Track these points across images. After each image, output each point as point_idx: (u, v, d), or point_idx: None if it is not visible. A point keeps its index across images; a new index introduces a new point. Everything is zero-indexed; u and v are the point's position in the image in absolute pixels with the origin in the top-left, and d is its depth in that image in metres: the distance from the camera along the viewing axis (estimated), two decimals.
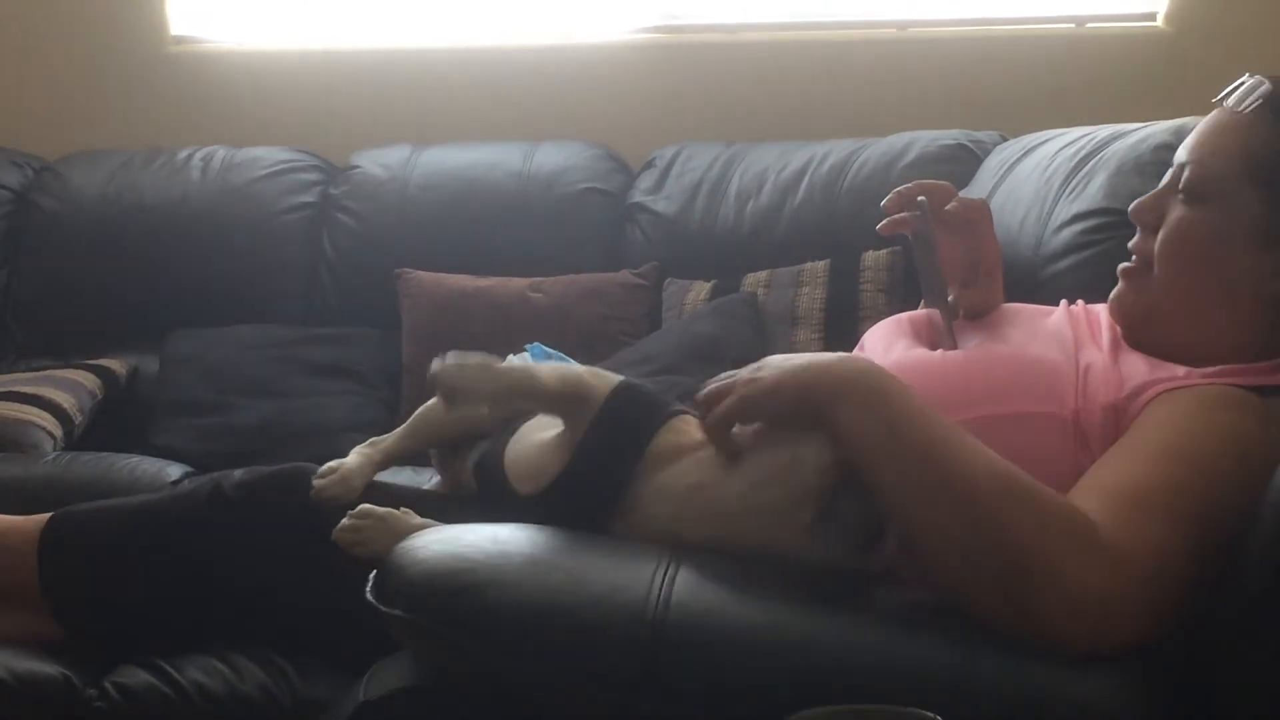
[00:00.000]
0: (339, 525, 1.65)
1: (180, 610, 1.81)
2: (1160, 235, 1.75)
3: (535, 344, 1.94)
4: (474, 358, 1.63)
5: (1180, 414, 1.56)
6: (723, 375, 1.59)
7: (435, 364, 1.60)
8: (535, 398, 1.68)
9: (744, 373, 1.56)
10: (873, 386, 1.48)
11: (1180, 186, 1.74)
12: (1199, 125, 1.77)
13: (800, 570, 1.46)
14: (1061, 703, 1.30)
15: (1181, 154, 1.77)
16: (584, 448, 1.62)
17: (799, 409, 1.50)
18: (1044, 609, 1.34)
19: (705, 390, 1.58)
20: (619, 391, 1.65)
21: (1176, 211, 1.74)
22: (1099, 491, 1.46)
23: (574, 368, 1.73)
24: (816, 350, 2.87)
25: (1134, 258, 1.81)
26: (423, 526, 1.62)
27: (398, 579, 1.45)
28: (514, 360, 1.86)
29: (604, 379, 1.69)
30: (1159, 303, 1.75)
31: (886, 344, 1.88)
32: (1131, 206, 1.81)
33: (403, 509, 1.66)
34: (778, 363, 1.55)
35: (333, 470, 1.79)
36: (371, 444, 1.89)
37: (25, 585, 1.83)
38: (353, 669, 1.54)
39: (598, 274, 3.48)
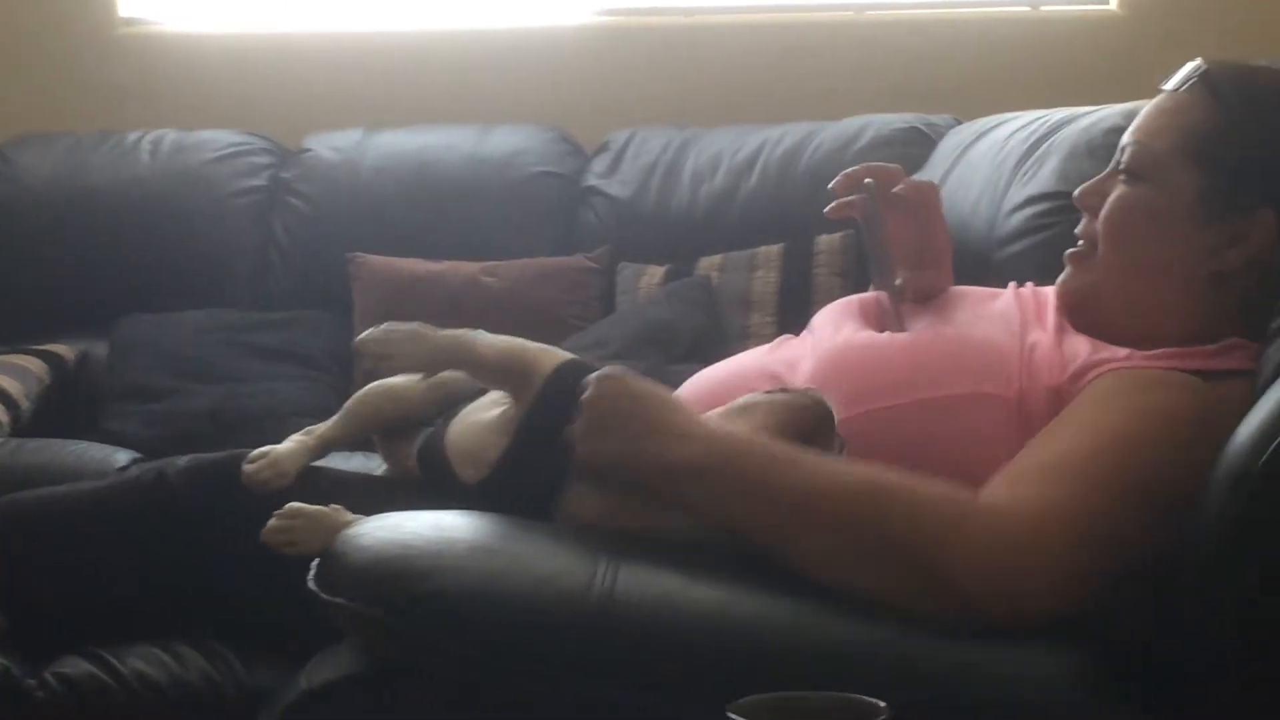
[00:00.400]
0: (267, 525, 1.62)
1: (124, 598, 1.79)
2: (1101, 214, 1.77)
3: (479, 331, 1.93)
4: (405, 326, 1.62)
5: (1112, 393, 1.57)
6: None
7: (363, 333, 1.59)
8: (470, 365, 1.67)
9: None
10: (713, 455, 1.49)
11: (1121, 167, 1.76)
12: (1142, 109, 1.79)
13: (741, 557, 1.45)
14: (1003, 677, 1.32)
15: (1125, 137, 1.79)
16: (523, 430, 1.61)
17: (638, 482, 1.52)
18: (951, 579, 1.36)
19: None
20: (562, 370, 1.64)
21: (1117, 191, 1.76)
22: (1012, 471, 1.49)
23: (522, 341, 1.71)
24: (771, 334, 2.86)
25: (1080, 242, 1.82)
26: (354, 523, 1.60)
27: (340, 567, 1.44)
28: None
29: (551, 355, 1.67)
30: (1101, 283, 1.76)
31: (835, 326, 1.88)
32: (1076, 192, 1.83)
33: (333, 506, 1.64)
34: (605, 413, 1.54)
35: (264, 455, 1.77)
36: (307, 431, 1.87)
37: None
38: (296, 657, 1.53)
39: (551, 258, 3.47)
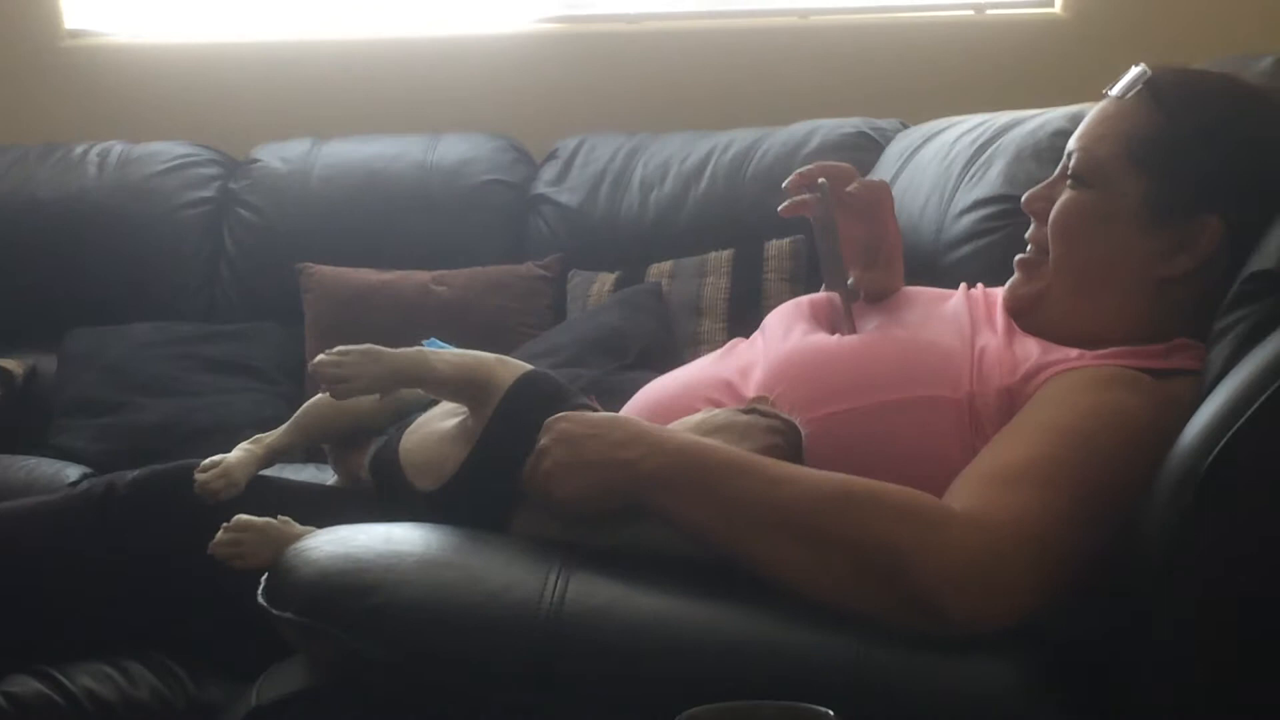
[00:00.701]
0: (215, 539, 1.62)
1: (73, 613, 1.77)
2: (1050, 218, 1.78)
3: (432, 339, 1.92)
4: (358, 347, 1.62)
5: (1065, 392, 1.58)
6: None
7: (318, 356, 1.59)
8: (427, 383, 1.67)
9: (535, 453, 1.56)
10: (677, 466, 1.50)
11: (1069, 173, 1.77)
12: (1087, 114, 1.80)
13: (695, 569, 1.46)
14: (954, 686, 1.32)
15: (1071, 143, 1.79)
16: (484, 442, 1.61)
17: (609, 499, 1.52)
18: (923, 589, 1.36)
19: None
20: (522, 382, 1.64)
21: (1064, 195, 1.77)
22: (974, 476, 1.49)
23: (478, 354, 1.71)
24: (722, 340, 2.86)
25: (1029, 247, 1.83)
26: (305, 533, 1.60)
27: (289, 581, 1.43)
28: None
29: (510, 367, 1.67)
30: (1051, 288, 1.77)
31: (785, 328, 1.88)
32: (1024, 197, 1.83)
33: (282, 518, 1.63)
34: (570, 453, 1.53)
35: (215, 464, 1.76)
36: (256, 440, 1.86)
37: None
38: (247, 672, 1.52)
39: (501, 266, 3.47)
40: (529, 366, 1.70)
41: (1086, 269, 1.74)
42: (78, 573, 1.77)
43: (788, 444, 1.54)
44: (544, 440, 1.55)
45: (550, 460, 1.53)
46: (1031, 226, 1.84)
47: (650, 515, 1.51)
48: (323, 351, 1.61)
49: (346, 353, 1.62)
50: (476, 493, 1.60)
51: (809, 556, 1.42)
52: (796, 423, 1.56)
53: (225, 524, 1.62)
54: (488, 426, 1.62)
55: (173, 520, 1.75)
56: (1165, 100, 1.72)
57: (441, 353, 1.70)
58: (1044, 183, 1.82)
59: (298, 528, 1.61)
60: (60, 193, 3.68)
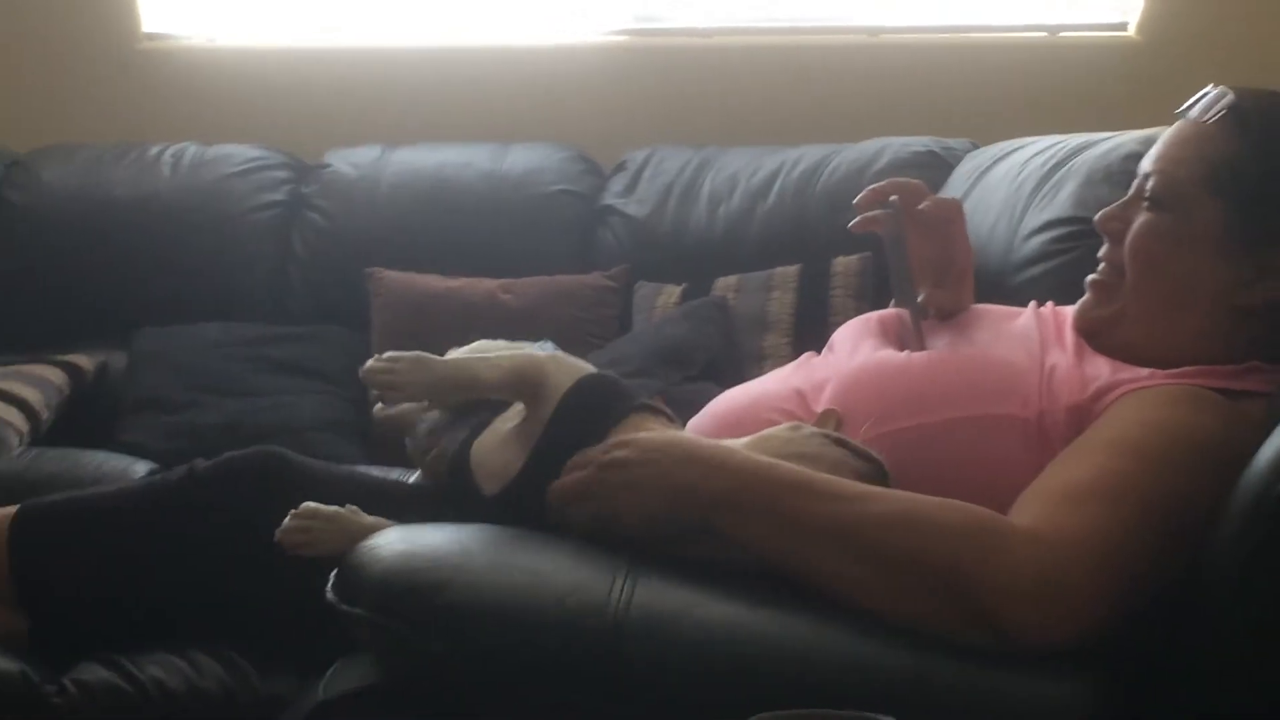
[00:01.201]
0: (283, 526, 1.63)
1: (145, 602, 1.79)
2: (1127, 240, 1.76)
3: (482, 342, 1.92)
4: (408, 354, 1.63)
5: (1135, 409, 1.57)
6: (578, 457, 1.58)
7: (369, 363, 1.60)
8: (475, 390, 1.68)
9: (595, 466, 1.56)
10: (743, 489, 1.49)
11: (1146, 195, 1.75)
12: (1163, 136, 1.78)
13: (748, 571, 1.46)
14: (1018, 703, 1.31)
15: (1145, 164, 1.78)
16: (543, 445, 1.62)
17: (673, 524, 1.51)
18: (987, 605, 1.35)
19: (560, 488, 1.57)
20: (582, 384, 1.65)
21: (1142, 218, 1.75)
22: (1040, 493, 1.48)
23: (530, 354, 1.71)
24: (787, 355, 2.86)
25: (1101, 266, 1.82)
26: (374, 526, 1.61)
27: (358, 578, 1.45)
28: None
29: (564, 367, 1.68)
30: (1126, 310, 1.76)
31: (854, 344, 1.88)
32: (1097, 217, 1.82)
33: (350, 507, 1.64)
34: (636, 476, 1.53)
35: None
36: None
37: None
38: (314, 666, 1.54)
39: (568, 276, 3.47)
40: (584, 364, 1.70)
41: (1164, 293, 1.73)
42: (149, 558, 1.79)
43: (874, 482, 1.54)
44: (611, 455, 1.54)
45: (617, 477, 1.53)
46: (1105, 247, 1.82)
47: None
48: (374, 357, 1.63)
49: (397, 359, 1.64)
50: (535, 496, 1.61)
51: (873, 575, 1.41)
52: (883, 462, 1.55)
53: (294, 511, 1.63)
54: (546, 429, 1.63)
55: (250, 503, 1.76)
56: (1250, 126, 1.70)
57: (489, 358, 1.70)
58: (1118, 203, 1.81)
59: (367, 518, 1.62)
60: (134, 193, 3.71)
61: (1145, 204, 1.75)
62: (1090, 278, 1.82)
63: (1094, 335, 1.77)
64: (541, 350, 1.85)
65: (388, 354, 1.65)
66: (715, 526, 1.49)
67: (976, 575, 1.36)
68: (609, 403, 1.62)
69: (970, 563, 1.37)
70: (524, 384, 1.66)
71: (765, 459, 1.53)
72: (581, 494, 1.54)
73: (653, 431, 1.60)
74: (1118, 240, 1.78)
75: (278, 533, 1.63)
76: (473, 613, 1.38)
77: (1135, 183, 1.79)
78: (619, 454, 1.54)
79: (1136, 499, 1.43)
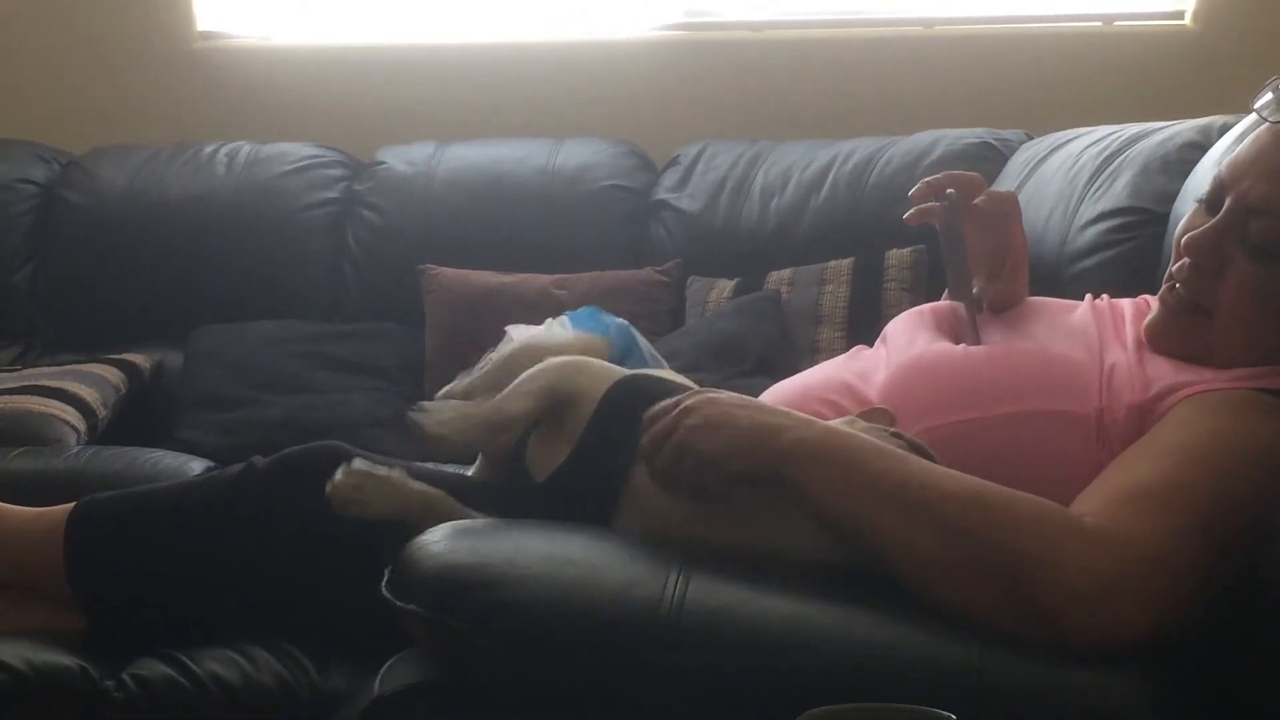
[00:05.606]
0: (334, 479, 1.62)
1: (203, 598, 1.80)
2: (1230, 295, 1.66)
3: (587, 307, 1.90)
4: (449, 405, 1.64)
5: (1198, 414, 1.55)
6: (657, 407, 1.57)
7: (413, 415, 1.61)
8: (515, 427, 1.68)
9: (678, 410, 1.54)
10: (823, 441, 1.49)
11: (1249, 242, 1.63)
12: (1248, 148, 1.66)
13: (801, 567, 1.46)
14: (1075, 700, 1.30)
15: (1231, 175, 1.66)
16: (584, 440, 1.62)
17: (748, 461, 1.50)
18: (1048, 602, 1.34)
19: (646, 436, 1.56)
20: (619, 385, 1.65)
21: (1244, 267, 1.64)
22: (1103, 492, 1.46)
23: (552, 372, 1.70)
24: (841, 348, 2.85)
25: (1182, 295, 1.71)
26: (424, 493, 1.61)
27: (413, 574, 1.45)
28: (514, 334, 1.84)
29: (592, 373, 1.68)
30: (1215, 348, 1.67)
31: (909, 336, 1.87)
32: (1187, 240, 1.69)
33: (399, 472, 1.64)
34: (720, 413, 1.52)
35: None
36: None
37: (49, 574, 1.82)
38: (370, 662, 1.54)
39: (621, 271, 3.48)
40: (615, 368, 1.70)
41: (1262, 339, 1.65)
42: (207, 554, 1.79)
43: None
44: (690, 400, 1.54)
45: (697, 416, 1.51)
46: (1186, 269, 1.70)
47: (763, 518, 1.51)
48: (417, 404, 1.65)
49: (443, 410, 1.64)
50: (578, 486, 1.61)
51: (938, 547, 1.40)
52: (935, 457, 1.53)
53: (346, 466, 1.63)
54: (587, 428, 1.63)
55: (309, 498, 1.75)
56: None
57: (517, 393, 1.69)
58: (1210, 230, 1.66)
59: (415, 485, 1.63)
60: (189, 191, 3.75)
61: (1246, 250, 1.64)
62: (1169, 303, 1.72)
63: (1167, 353, 1.70)
64: (561, 327, 1.84)
65: (435, 401, 1.67)
66: (786, 476, 1.48)
67: (1033, 564, 1.35)
68: (654, 396, 1.62)
69: (1030, 551, 1.36)
70: (555, 403, 1.66)
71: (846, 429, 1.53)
72: (669, 428, 1.53)
73: None
74: (1206, 276, 1.68)
75: (328, 486, 1.62)
76: (526, 609, 1.38)
77: (1226, 208, 1.66)
78: (710, 394, 1.55)
79: (1197, 507, 1.41)
